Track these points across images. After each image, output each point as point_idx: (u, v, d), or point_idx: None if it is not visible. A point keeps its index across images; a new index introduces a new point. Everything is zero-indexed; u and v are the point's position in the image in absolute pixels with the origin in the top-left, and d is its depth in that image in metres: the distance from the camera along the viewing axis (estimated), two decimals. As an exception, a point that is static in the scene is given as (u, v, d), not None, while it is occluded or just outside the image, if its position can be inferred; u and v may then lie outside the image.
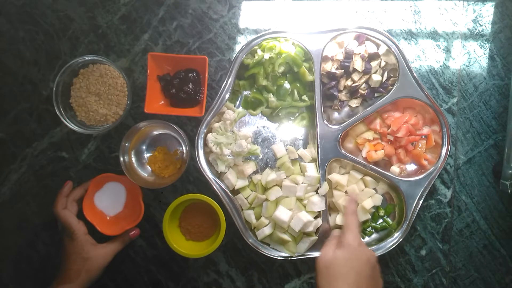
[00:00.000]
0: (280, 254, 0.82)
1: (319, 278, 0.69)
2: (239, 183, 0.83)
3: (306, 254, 0.82)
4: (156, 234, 0.86)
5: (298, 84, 0.84)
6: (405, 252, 0.85)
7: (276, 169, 0.85)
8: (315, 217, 0.81)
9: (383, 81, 0.84)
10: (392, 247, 0.81)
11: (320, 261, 0.70)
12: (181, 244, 0.81)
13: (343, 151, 0.82)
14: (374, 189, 0.84)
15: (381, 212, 0.84)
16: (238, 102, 0.86)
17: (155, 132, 0.86)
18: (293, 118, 0.86)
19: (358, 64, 0.83)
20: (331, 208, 0.85)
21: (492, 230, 0.85)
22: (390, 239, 0.81)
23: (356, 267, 0.68)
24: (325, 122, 0.82)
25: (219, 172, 0.83)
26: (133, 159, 0.83)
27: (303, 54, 0.83)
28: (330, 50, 0.84)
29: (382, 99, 0.82)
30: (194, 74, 0.83)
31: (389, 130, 0.82)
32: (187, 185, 0.86)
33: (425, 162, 0.83)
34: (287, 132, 0.87)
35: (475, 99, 0.86)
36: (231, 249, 0.86)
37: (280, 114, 0.86)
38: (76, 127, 0.82)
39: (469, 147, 0.85)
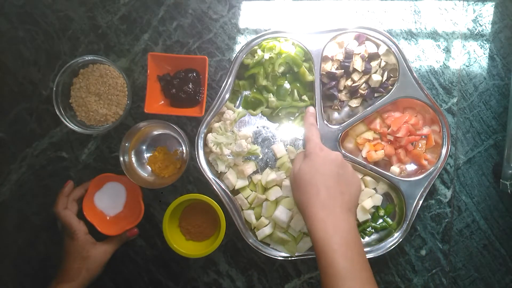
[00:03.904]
0: (280, 254, 0.82)
1: (293, 194, 0.70)
2: (239, 183, 0.83)
3: (306, 254, 0.82)
4: (156, 234, 0.86)
5: (298, 84, 0.84)
6: (405, 252, 0.85)
7: (276, 169, 0.85)
8: (315, 217, 0.81)
9: (383, 81, 0.84)
10: (392, 247, 0.81)
11: (290, 179, 0.71)
12: (181, 244, 0.81)
13: (343, 151, 0.82)
14: (374, 189, 0.84)
15: (381, 212, 0.84)
16: (238, 102, 0.86)
17: (155, 132, 0.86)
18: (293, 118, 0.86)
19: (358, 64, 0.83)
20: (331, 208, 0.84)
21: (492, 230, 0.85)
22: (390, 239, 0.81)
23: (320, 170, 0.68)
24: (325, 122, 0.82)
25: (219, 172, 0.83)
26: (133, 159, 0.83)
27: (303, 54, 0.83)
28: (330, 50, 0.84)
29: (382, 99, 0.82)
30: (194, 74, 0.83)
31: (389, 130, 0.82)
32: (187, 185, 0.86)
33: (425, 162, 0.83)
34: (287, 132, 0.86)
35: (475, 99, 0.86)
36: (231, 249, 0.86)
37: (280, 114, 0.85)
38: (76, 127, 0.82)
39: (469, 147, 0.85)
